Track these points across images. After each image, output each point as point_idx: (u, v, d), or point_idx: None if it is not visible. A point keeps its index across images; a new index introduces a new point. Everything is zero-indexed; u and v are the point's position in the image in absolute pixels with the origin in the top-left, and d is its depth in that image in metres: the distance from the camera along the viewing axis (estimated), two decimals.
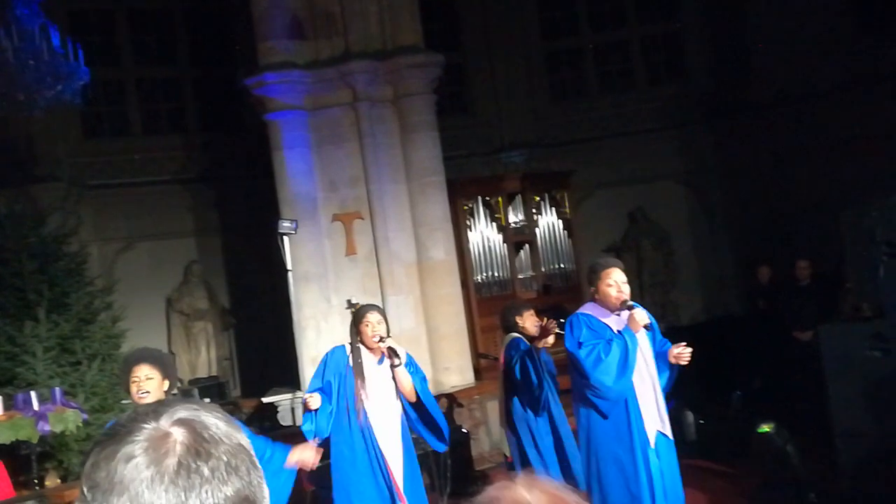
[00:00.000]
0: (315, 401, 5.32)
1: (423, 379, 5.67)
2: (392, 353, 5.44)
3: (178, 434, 1.06)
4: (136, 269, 12.11)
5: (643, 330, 5.32)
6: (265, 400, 10.07)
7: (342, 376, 5.51)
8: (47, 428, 7.21)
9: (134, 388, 4.33)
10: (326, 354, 5.69)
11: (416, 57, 9.95)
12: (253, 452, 1.12)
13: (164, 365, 4.53)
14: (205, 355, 12.21)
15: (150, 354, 4.58)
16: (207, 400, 9.38)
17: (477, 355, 10.35)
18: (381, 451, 5.44)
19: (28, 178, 10.66)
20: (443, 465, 7.58)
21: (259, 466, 1.12)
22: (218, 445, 1.07)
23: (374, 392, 5.50)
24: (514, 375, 6.50)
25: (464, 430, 8.60)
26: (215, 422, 1.10)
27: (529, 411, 6.52)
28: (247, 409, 10.59)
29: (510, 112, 13.69)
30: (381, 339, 5.48)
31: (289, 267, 8.11)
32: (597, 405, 5.28)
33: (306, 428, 5.44)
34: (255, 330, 12.37)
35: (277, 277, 9.30)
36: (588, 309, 5.43)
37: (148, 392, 4.35)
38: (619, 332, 5.24)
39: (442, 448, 5.88)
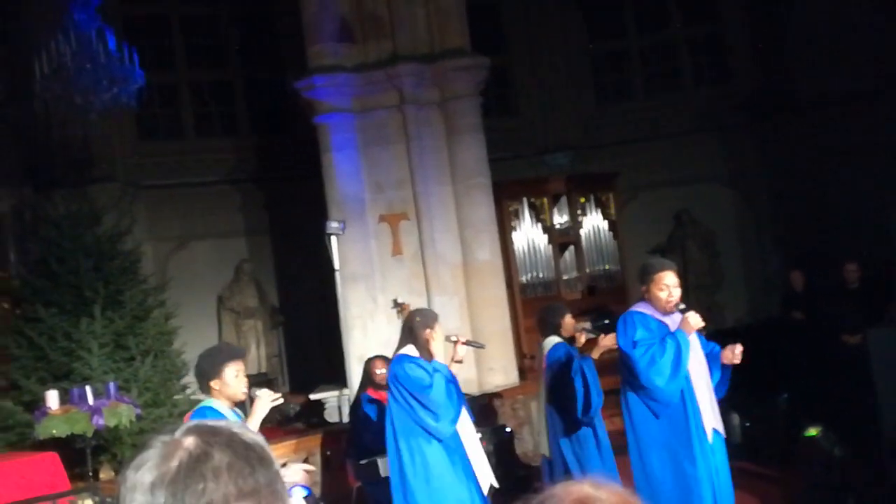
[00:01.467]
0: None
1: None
2: (472, 343, 5.73)
3: (187, 440, 1.13)
4: (189, 268, 12.35)
5: (695, 332, 5.34)
6: (312, 397, 10.23)
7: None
8: (101, 422, 7.42)
9: (238, 382, 4.44)
10: (420, 363, 5.50)
11: (462, 60, 10.03)
12: (267, 454, 1.18)
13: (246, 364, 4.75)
14: (254, 352, 12.41)
15: (245, 353, 4.78)
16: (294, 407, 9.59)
17: (521, 355, 10.40)
18: (466, 450, 5.52)
19: (84, 179, 10.93)
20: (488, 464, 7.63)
21: (273, 468, 1.17)
22: (224, 447, 1.13)
23: None
24: (561, 382, 6.48)
25: (507, 430, 8.65)
26: (228, 426, 1.18)
27: (574, 416, 6.49)
28: (295, 405, 10.75)
29: (555, 114, 13.71)
30: (459, 336, 5.77)
31: (336, 267, 8.27)
32: (649, 405, 5.31)
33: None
34: (304, 328, 12.55)
35: (325, 277, 9.44)
36: (642, 308, 5.43)
37: (246, 387, 4.54)
38: (671, 333, 5.25)
39: None
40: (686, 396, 5.25)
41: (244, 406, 5.28)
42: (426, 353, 5.52)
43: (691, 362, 5.24)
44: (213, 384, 4.43)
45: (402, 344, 5.64)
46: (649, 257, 12.35)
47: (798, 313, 10.21)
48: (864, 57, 11.65)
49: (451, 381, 5.46)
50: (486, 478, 5.57)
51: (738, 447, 8.06)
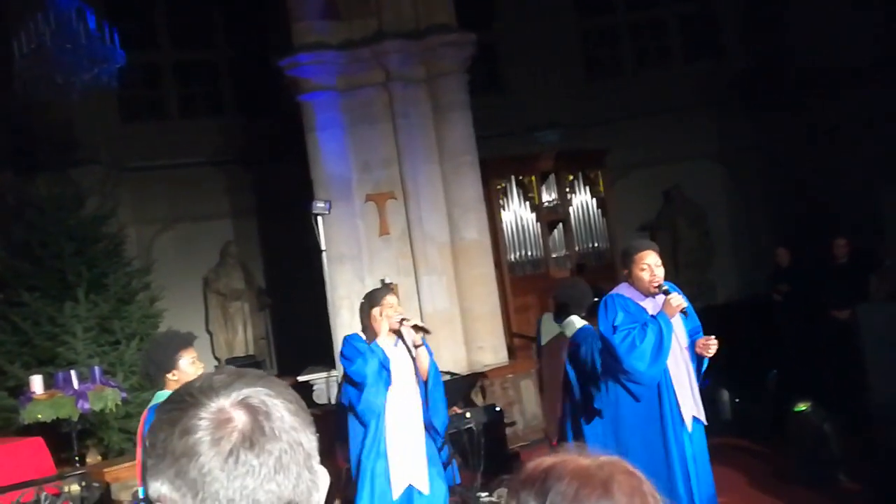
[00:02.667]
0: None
1: (434, 363, 5.59)
2: (420, 329, 5.41)
3: (240, 420, 1.07)
4: (174, 251, 12.26)
5: (678, 314, 5.25)
6: (301, 379, 10.17)
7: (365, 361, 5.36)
8: (87, 406, 7.35)
9: (194, 370, 4.35)
10: (356, 344, 5.40)
11: (448, 36, 9.91)
12: (314, 453, 1.13)
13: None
14: (241, 335, 12.35)
15: (194, 337, 4.68)
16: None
17: (510, 334, 10.35)
18: (385, 439, 5.36)
19: (67, 162, 10.79)
20: (476, 443, 7.60)
21: (316, 469, 1.12)
22: (275, 441, 1.07)
23: (395, 376, 5.38)
24: (590, 367, 6.24)
25: (497, 409, 8.61)
26: (282, 414, 1.10)
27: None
28: None
29: (544, 91, 13.60)
30: (405, 319, 5.40)
31: (323, 247, 8.19)
32: (629, 388, 5.23)
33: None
34: (291, 310, 12.48)
35: (312, 258, 9.36)
36: (623, 290, 5.34)
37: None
38: (653, 316, 5.14)
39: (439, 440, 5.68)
40: (662, 385, 5.16)
41: None
42: (370, 333, 5.41)
43: (672, 347, 5.15)
44: (170, 375, 4.35)
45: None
46: (638, 235, 12.36)
47: (783, 286, 10.18)
48: (855, 34, 11.56)
49: (384, 366, 5.29)
50: (406, 478, 5.36)
51: (729, 423, 8.07)
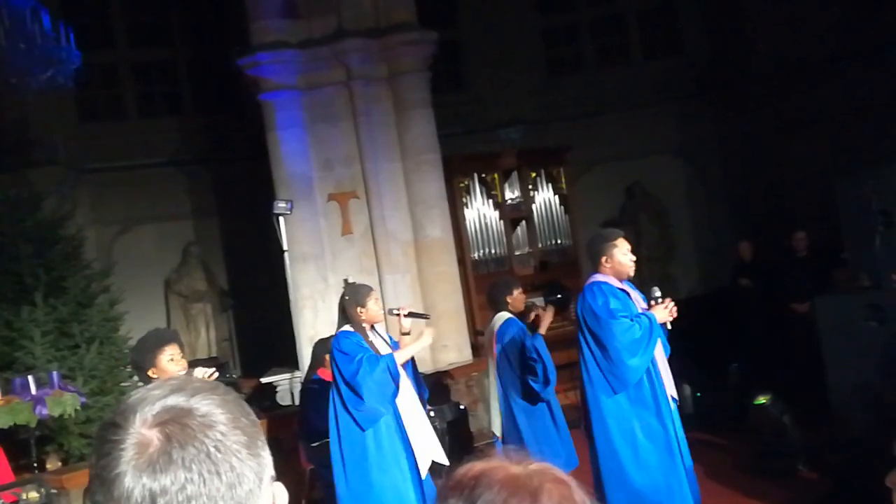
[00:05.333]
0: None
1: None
2: (417, 315, 5.68)
3: (159, 433, 1.06)
4: (134, 252, 12.12)
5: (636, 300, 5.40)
6: (264, 380, 10.10)
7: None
8: (45, 412, 7.22)
9: (173, 367, 4.34)
10: (348, 342, 5.46)
11: (409, 34, 9.89)
12: (257, 440, 1.11)
13: (183, 347, 4.66)
14: (204, 336, 12.24)
15: (178, 335, 4.67)
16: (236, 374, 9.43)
17: (474, 332, 10.35)
18: (406, 430, 5.45)
19: (23, 163, 10.63)
20: (441, 441, 7.59)
21: (260, 455, 1.11)
22: (201, 435, 1.06)
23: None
24: (515, 358, 6.45)
25: (461, 407, 8.62)
26: (208, 409, 1.09)
27: (530, 393, 6.47)
28: (246, 389, 10.61)
29: (506, 88, 13.61)
30: (399, 308, 5.72)
31: (285, 247, 8.12)
32: (607, 379, 5.30)
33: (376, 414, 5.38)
34: (254, 310, 12.38)
35: (275, 258, 9.30)
36: (603, 279, 5.40)
37: (184, 369, 4.43)
38: (644, 312, 5.25)
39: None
40: (652, 368, 5.30)
41: None
42: (361, 329, 5.49)
43: None
44: (151, 374, 4.35)
45: (339, 325, 5.64)
46: (601, 230, 12.39)
47: (745, 280, 10.28)
48: (814, 29, 11.71)
49: (386, 363, 5.35)
50: (428, 455, 5.50)
51: (690, 417, 8.12)
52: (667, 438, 5.25)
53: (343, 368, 5.39)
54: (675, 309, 5.25)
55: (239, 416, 1.11)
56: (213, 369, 4.62)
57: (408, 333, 5.68)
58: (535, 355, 6.28)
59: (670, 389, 5.40)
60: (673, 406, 5.37)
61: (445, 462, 5.55)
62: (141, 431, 1.06)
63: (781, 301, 9.24)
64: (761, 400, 6.95)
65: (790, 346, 8.51)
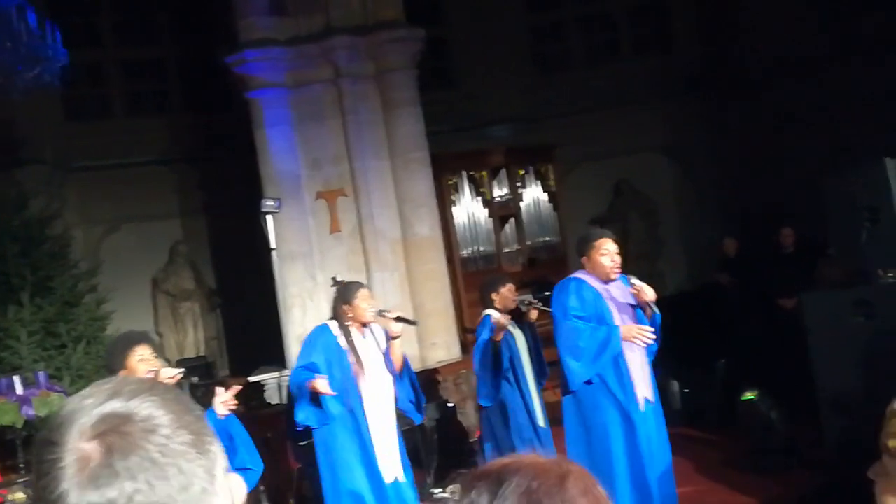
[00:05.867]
0: (326, 384, 5.12)
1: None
2: (403, 320, 5.49)
3: (99, 445, 1.02)
4: (122, 251, 12.06)
5: (628, 307, 5.35)
6: (252, 379, 10.06)
7: (335, 356, 5.38)
8: (32, 412, 7.18)
9: (143, 367, 4.24)
10: (311, 336, 5.54)
11: (397, 31, 9.88)
12: (203, 436, 1.07)
13: (155, 347, 4.54)
14: (192, 335, 12.20)
15: (149, 336, 4.58)
16: (195, 379, 9.38)
17: (463, 330, 10.35)
18: (369, 431, 5.39)
19: (10, 162, 10.58)
20: (430, 439, 7.59)
21: (209, 450, 1.07)
22: (143, 441, 1.02)
23: (370, 369, 5.44)
24: (477, 356, 6.45)
25: (450, 405, 8.61)
26: (148, 412, 1.05)
27: (502, 389, 6.46)
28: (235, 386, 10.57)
29: (494, 86, 13.60)
30: (385, 311, 5.50)
31: (273, 246, 8.08)
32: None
33: (304, 419, 5.29)
34: (242, 309, 12.35)
35: (263, 256, 9.27)
36: (581, 275, 5.41)
37: (155, 370, 4.33)
38: (609, 325, 5.21)
39: (419, 419, 5.91)
40: (621, 366, 5.27)
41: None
42: (344, 327, 5.44)
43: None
44: (122, 375, 4.22)
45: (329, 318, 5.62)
46: (590, 228, 12.42)
47: (724, 276, 10.30)
48: (802, 27, 11.74)
49: (297, 382, 5.31)
50: (390, 469, 5.41)
51: (678, 414, 8.15)
52: (629, 440, 5.21)
53: (297, 360, 5.44)
54: (648, 335, 5.14)
55: (181, 413, 1.07)
56: (181, 370, 4.50)
57: (396, 337, 5.50)
58: (488, 356, 6.30)
59: (644, 392, 5.33)
60: (644, 407, 5.30)
61: (401, 478, 5.45)
62: (79, 446, 1.01)
63: (768, 297, 9.26)
64: (749, 396, 6.96)
65: (778, 342, 8.53)
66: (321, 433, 5.41)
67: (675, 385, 8.29)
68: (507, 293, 6.67)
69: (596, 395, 5.28)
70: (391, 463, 5.43)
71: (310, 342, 5.48)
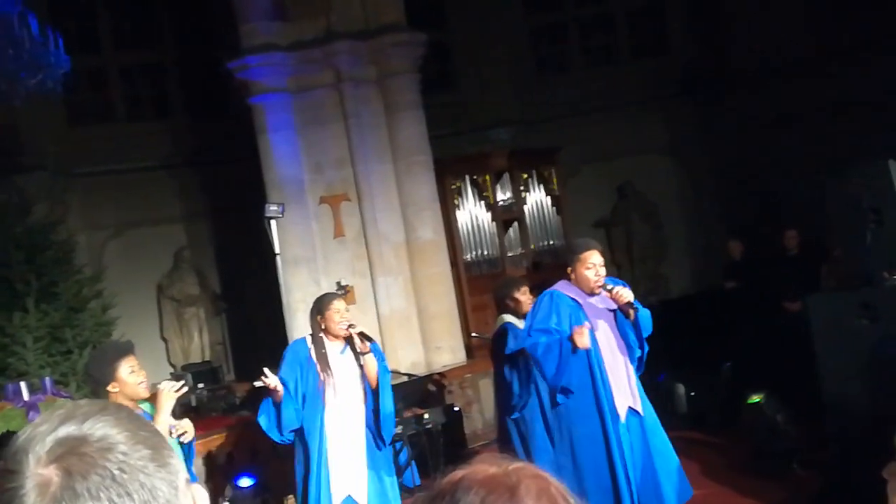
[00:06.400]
0: (278, 388, 5.21)
1: (385, 368, 5.49)
2: (365, 337, 5.31)
3: (57, 470, 1.03)
4: (126, 257, 12.08)
5: (606, 311, 5.33)
6: (257, 384, 10.05)
7: (302, 369, 5.35)
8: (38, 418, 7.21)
9: (133, 379, 4.22)
10: (286, 350, 5.57)
11: (399, 36, 9.88)
12: (161, 450, 1.09)
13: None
14: (197, 341, 12.21)
15: (133, 346, 4.52)
16: (201, 385, 9.40)
17: (468, 334, 10.36)
18: (325, 448, 5.34)
19: (13, 168, 10.59)
20: (436, 443, 7.60)
21: (168, 463, 1.08)
22: (101, 461, 1.03)
23: (340, 383, 5.35)
24: (503, 368, 6.31)
25: (456, 409, 8.62)
26: (103, 432, 1.06)
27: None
28: (240, 393, 10.58)
29: (496, 89, 13.63)
30: (351, 326, 5.34)
31: (276, 251, 8.10)
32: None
33: (265, 423, 5.37)
34: (247, 314, 12.36)
35: (267, 261, 9.29)
36: (563, 288, 5.37)
37: (145, 379, 4.32)
38: (560, 332, 5.18)
39: (381, 445, 5.50)
40: (600, 376, 5.24)
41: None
42: (318, 340, 5.40)
43: (605, 341, 5.26)
44: (111, 388, 4.19)
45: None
46: (593, 231, 12.44)
47: (732, 283, 10.29)
48: (800, 25, 11.74)
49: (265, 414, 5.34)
50: (344, 488, 5.32)
51: (683, 417, 8.15)
52: (599, 451, 5.17)
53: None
54: (584, 336, 5.12)
55: (136, 430, 1.08)
56: (182, 382, 4.44)
57: (366, 353, 5.34)
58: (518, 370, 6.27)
59: (625, 401, 5.26)
60: (629, 418, 5.23)
61: (363, 501, 5.33)
62: (38, 472, 1.02)
63: (773, 299, 9.26)
64: (755, 399, 6.96)
65: (782, 345, 8.53)
66: (298, 447, 5.44)
67: (681, 388, 8.29)
68: (521, 297, 6.62)
69: (570, 407, 5.26)
70: (347, 479, 5.32)
71: (283, 357, 5.52)
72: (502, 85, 13.65)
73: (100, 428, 1.06)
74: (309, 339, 5.46)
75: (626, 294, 5.22)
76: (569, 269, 5.37)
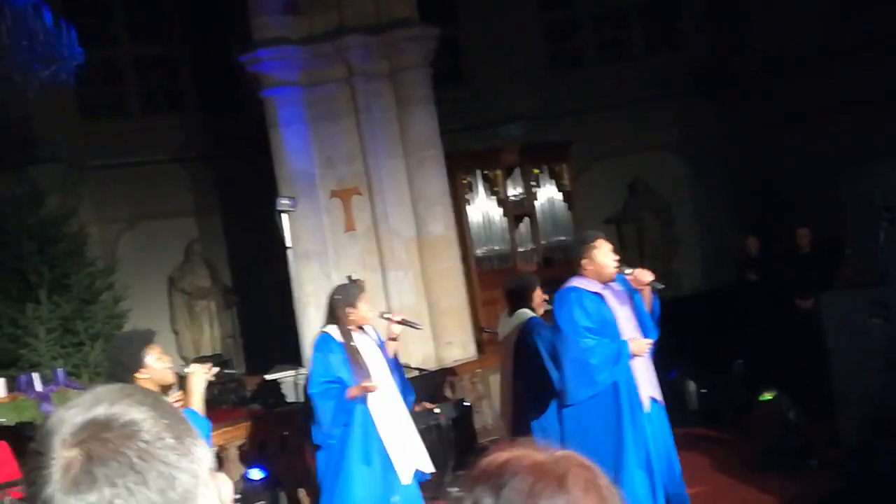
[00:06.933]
0: (371, 383, 5.22)
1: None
2: (408, 323, 5.54)
3: (80, 453, 1.05)
4: (138, 249, 12.11)
5: (627, 299, 5.35)
6: (268, 377, 10.10)
7: (343, 365, 5.36)
8: (50, 409, 7.23)
9: (160, 365, 4.29)
10: (318, 349, 5.46)
11: (411, 30, 9.87)
12: (185, 437, 1.09)
13: None
14: (208, 333, 12.25)
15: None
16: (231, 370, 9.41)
17: (479, 329, 10.35)
18: (378, 434, 5.37)
19: (26, 160, 10.64)
20: (446, 438, 7.60)
21: (192, 453, 1.09)
22: (122, 448, 1.05)
23: (371, 367, 5.41)
24: (540, 361, 6.13)
25: (466, 404, 8.62)
26: (128, 418, 1.07)
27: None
28: (251, 386, 10.61)
29: (507, 84, 13.60)
30: (385, 314, 5.55)
31: (288, 244, 8.13)
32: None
33: (326, 435, 5.34)
34: (258, 307, 12.39)
35: (278, 255, 9.31)
36: (578, 283, 5.35)
37: (171, 365, 4.41)
38: (618, 340, 5.19)
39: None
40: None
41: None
42: (346, 332, 5.40)
43: (628, 331, 5.27)
44: (140, 374, 4.24)
45: (325, 322, 5.55)
46: (604, 227, 12.41)
47: (752, 274, 10.26)
48: (813, 22, 11.69)
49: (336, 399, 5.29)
50: (411, 463, 5.41)
51: (695, 414, 8.14)
52: (637, 443, 5.18)
53: (311, 378, 5.37)
54: (647, 346, 5.19)
55: (162, 417, 1.10)
56: (210, 366, 4.49)
57: (395, 339, 5.59)
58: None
59: (649, 391, 5.30)
60: (650, 407, 5.27)
61: (430, 469, 5.47)
62: (62, 454, 1.05)
63: (785, 297, 9.24)
64: (766, 396, 6.95)
65: (794, 343, 8.51)
66: (331, 448, 5.40)
67: (692, 385, 8.28)
68: (539, 295, 6.57)
69: (600, 401, 5.25)
70: (409, 455, 5.41)
71: (321, 357, 5.41)
72: (514, 80, 13.62)
73: (126, 413, 1.08)
74: (335, 332, 5.42)
75: (646, 274, 5.29)
76: (583, 261, 5.33)
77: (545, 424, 6.30)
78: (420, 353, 9.59)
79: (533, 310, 6.50)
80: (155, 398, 1.13)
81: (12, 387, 7.53)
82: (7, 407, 7.31)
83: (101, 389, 1.13)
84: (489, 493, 1.13)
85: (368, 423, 5.33)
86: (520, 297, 6.58)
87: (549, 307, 6.43)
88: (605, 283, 5.33)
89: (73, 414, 1.08)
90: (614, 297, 5.35)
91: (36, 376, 7.49)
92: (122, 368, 4.32)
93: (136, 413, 1.08)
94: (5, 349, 8.77)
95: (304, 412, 7.27)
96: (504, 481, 1.13)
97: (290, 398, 9.74)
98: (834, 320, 6.58)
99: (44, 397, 7.31)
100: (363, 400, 5.33)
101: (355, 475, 5.29)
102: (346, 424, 5.30)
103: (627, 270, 5.36)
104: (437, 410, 7.66)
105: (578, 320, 5.22)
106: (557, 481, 1.12)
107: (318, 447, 6.32)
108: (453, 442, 7.60)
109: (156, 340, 4.47)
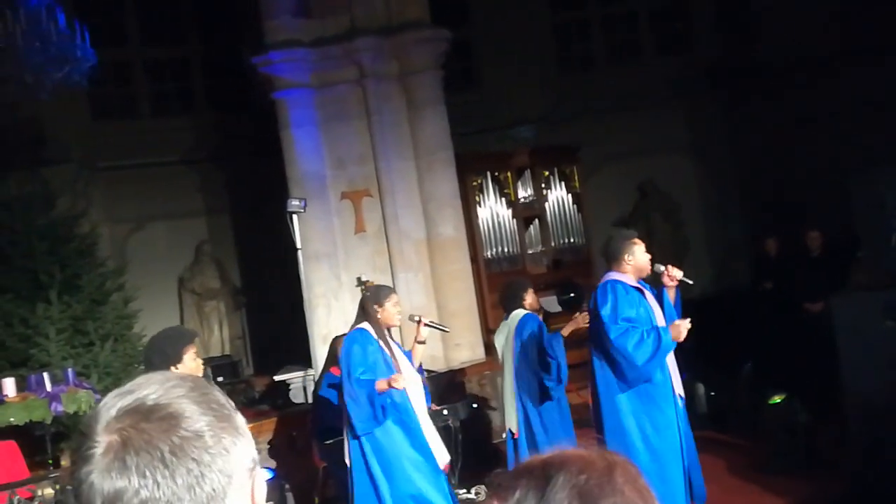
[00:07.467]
0: (400, 377, 5.34)
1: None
2: (435, 325, 5.79)
3: (118, 438, 1.07)
4: (148, 250, 12.16)
5: (654, 296, 5.52)
6: (277, 378, 10.12)
7: (381, 359, 5.52)
8: (60, 408, 7.27)
9: (194, 364, 4.53)
10: (357, 343, 5.54)
11: (422, 32, 9.88)
12: (224, 434, 1.10)
13: None
14: (217, 334, 12.27)
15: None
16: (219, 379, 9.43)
17: (487, 331, 10.34)
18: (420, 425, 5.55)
19: (38, 160, 10.68)
20: (454, 440, 7.59)
21: (228, 451, 1.09)
22: (156, 440, 1.06)
23: (403, 369, 5.56)
24: (533, 354, 6.47)
25: (474, 405, 8.61)
26: (170, 410, 1.09)
27: (538, 389, 6.52)
28: (259, 387, 10.64)
29: (518, 86, 13.59)
30: (414, 316, 5.81)
31: (298, 246, 8.13)
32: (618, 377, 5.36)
33: (366, 426, 5.40)
34: (267, 308, 12.41)
35: (288, 256, 9.32)
36: (617, 276, 5.48)
37: (202, 366, 4.71)
38: (657, 328, 5.30)
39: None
40: (664, 365, 5.40)
41: None
42: (379, 329, 5.56)
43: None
44: (175, 368, 4.44)
45: (356, 321, 5.71)
46: (614, 229, 12.38)
47: (768, 283, 10.24)
48: (824, 24, 11.65)
49: (369, 391, 5.38)
50: (441, 455, 5.62)
51: (704, 416, 8.11)
52: (674, 434, 5.34)
53: (352, 366, 5.43)
54: (687, 324, 5.34)
55: (204, 413, 1.10)
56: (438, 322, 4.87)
57: (423, 342, 5.78)
58: (551, 352, 6.31)
59: (678, 388, 5.47)
60: (680, 403, 5.45)
61: (447, 459, 5.68)
62: (104, 438, 1.08)
63: (795, 300, 9.20)
64: (776, 399, 6.92)
65: (805, 346, 8.47)
66: (372, 439, 5.45)
67: (701, 388, 8.26)
68: (531, 295, 6.77)
69: (651, 391, 5.37)
70: (439, 450, 5.61)
71: (361, 350, 5.51)
72: (525, 82, 13.62)
73: (171, 405, 1.10)
74: (371, 329, 5.56)
75: (678, 271, 5.51)
76: (625, 256, 5.45)
77: (543, 418, 6.42)
78: (428, 355, 9.58)
79: (526, 310, 6.68)
80: (202, 392, 1.13)
81: (22, 386, 7.56)
82: (17, 406, 7.34)
83: (155, 376, 1.15)
84: (534, 488, 1.12)
85: (411, 415, 5.51)
86: (512, 300, 6.80)
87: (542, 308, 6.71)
88: (641, 278, 5.51)
89: (120, 399, 1.11)
90: (649, 293, 5.51)
91: (46, 376, 7.51)
92: (161, 357, 4.49)
93: (180, 406, 1.10)
94: (16, 349, 8.79)
95: (314, 413, 7.29)
96: (550, 475, 1.12)
97: (299, 399, 9.76)
98: (845, 323, 6.55)
99: (54, 397, 7.34)
100: (404, 394, 5.48)
101: (414, 463, 5.45)
102: (385, 418, 5.43)
103: (662, 267, 5.43)
104: (444, 412, 7.66)
105: (622, 311, 5.33)
106: (607, 475, 1.13)
107: (326, 444, 6.37)
108: (461, 444, 7.59)
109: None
